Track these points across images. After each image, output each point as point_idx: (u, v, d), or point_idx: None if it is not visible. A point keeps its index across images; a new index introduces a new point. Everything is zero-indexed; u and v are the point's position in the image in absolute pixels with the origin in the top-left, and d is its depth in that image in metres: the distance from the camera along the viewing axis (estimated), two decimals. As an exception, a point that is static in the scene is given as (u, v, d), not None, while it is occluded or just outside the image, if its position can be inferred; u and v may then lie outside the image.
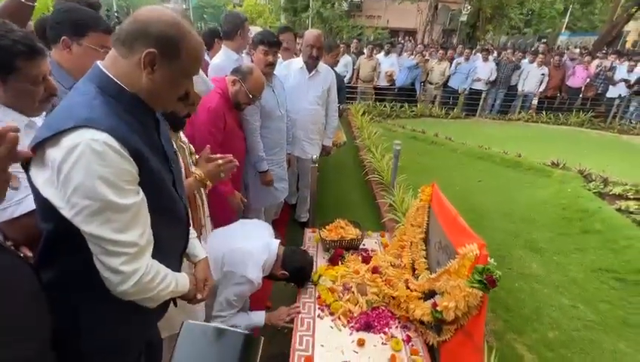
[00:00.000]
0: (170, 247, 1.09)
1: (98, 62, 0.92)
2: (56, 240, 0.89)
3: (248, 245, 1.80)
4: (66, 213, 0.82)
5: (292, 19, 23.39)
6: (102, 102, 0.87)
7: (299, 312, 1.83)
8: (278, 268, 1.88)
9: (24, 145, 1.06)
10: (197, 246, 1.35)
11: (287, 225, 3.46)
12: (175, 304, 1.23)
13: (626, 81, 7.82)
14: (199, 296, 1.23)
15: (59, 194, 0.82)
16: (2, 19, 1.09)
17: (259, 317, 1.89)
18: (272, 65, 2.47)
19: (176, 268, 1.15)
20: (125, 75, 0.90)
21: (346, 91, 5.27)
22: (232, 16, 2.85)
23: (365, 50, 8.29)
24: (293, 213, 3.57)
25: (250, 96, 2.14)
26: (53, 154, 0.80)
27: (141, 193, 0.90)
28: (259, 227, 2.05)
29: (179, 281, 1.07)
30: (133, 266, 0.88)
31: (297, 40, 4.12)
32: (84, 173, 0.79)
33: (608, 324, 2.27)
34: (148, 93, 0.93)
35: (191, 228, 1.31)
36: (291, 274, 1.90)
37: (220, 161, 1.58)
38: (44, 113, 1.23)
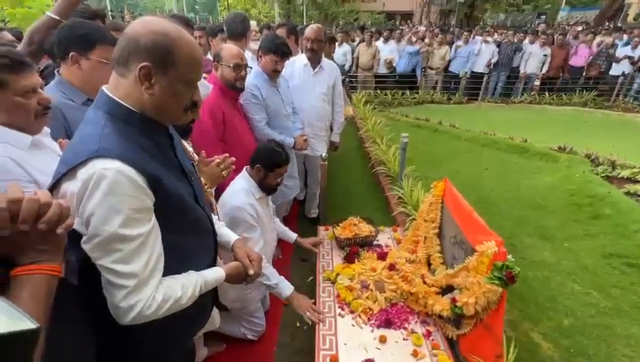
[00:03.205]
0: (199, 263, 1.09)
1: (103, 87, 0.92)
2: (85, 264, 0.89)
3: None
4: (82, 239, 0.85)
5: (286, 7, 22.98)
6: (112, 129, 0.87)
7: (320, 321, 1.79)
8: (259, 175, 1.90)
9: (33, 165, 1.07)
10: (227, 234, 1.34)
11: (297, 221, 3.49)
12: (219, 308, 1.25)
13: (629, 57, 7.71)
14: (251, 272, 1.22)
15: (79, 221, 0.83)
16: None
17: (286, 287, 1.88)
18: (279, 71, 2.51)
19: None
20: (129, 95, 0.89)
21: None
22: (242, 17, 2.88)
23: (365, 37, 8.15)
24: (302, 209, 3.60)
25: (231, 65, 2.09)
26: (72, 187, 0.82)
27: (153, 220, 0.90)
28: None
29: (207, 280, 1.07)
30: (131, 301, 0.86)
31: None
32: (95, 203, 0.80)
33: (621, 309, 2.31)
34: (153, 109, 0.92)
35: (216, 220, 1.30)
36: (267, 168, 1.89)
37: (218, 160, 1.57)
38: (48, 130, 1.22)
